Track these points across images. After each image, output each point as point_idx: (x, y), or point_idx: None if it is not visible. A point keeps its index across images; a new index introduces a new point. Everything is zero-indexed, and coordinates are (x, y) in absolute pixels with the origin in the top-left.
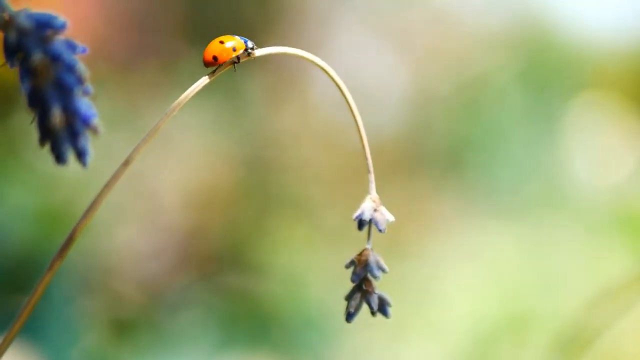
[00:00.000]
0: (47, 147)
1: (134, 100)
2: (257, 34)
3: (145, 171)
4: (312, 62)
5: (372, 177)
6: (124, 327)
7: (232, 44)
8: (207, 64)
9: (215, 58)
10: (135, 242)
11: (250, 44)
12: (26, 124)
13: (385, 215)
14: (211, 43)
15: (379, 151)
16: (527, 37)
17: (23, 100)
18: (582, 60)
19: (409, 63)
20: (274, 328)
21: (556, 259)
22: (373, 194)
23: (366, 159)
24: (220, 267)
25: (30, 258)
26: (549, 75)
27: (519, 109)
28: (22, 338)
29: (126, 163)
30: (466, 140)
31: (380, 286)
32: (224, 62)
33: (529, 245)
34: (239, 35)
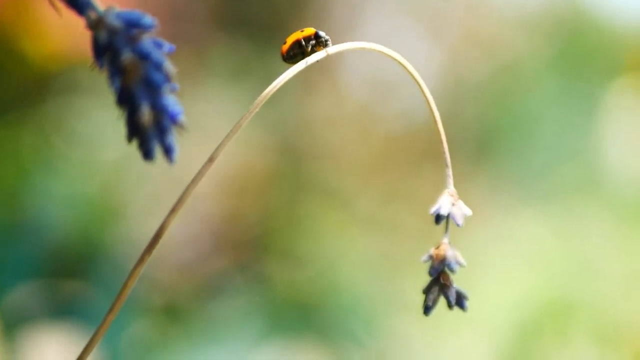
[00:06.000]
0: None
1: None
2: (288, 19)
3: (180, 158)
4: (392, 57)
5: (449, 171)
6: (169, 314)
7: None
8: (282, 56)
9: (285, 42)
10: (171, 229)
11: (322, 33)
12: (58, 112)
13: (462, 210)
14: None
15: (412, 138)
16: (563, 21)
17: (112, 97)
18: (620, 44)
19: (443, 48)
20: (313, 314)
21: (590, 246)
22: (451, 188)
23: (444, 153)
24: (255, 254)
25: (68, 246)
26: (585, 59)
27: (553, 94)
28: (71, 324)
29: (211, 160)
30: (499, 126)
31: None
32: (293, 46)
33: (562, 232)
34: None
